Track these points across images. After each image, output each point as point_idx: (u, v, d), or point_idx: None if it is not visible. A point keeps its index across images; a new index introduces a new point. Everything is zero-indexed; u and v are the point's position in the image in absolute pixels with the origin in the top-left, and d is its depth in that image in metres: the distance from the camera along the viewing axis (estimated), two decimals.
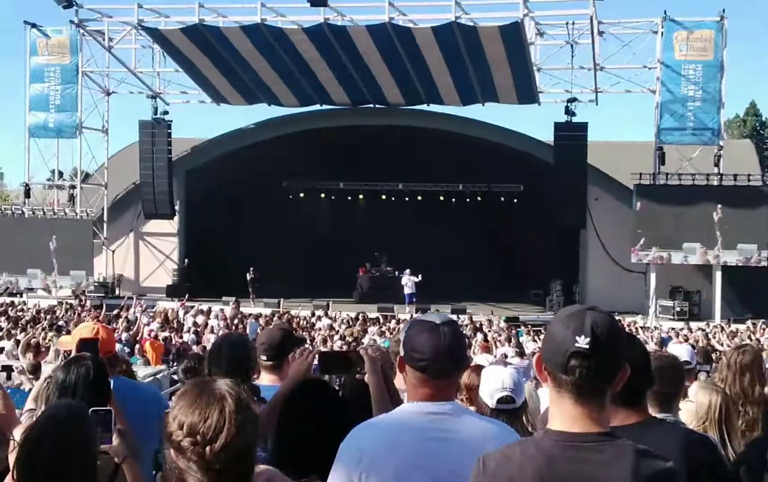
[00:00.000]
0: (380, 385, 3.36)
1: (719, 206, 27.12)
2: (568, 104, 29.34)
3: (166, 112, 32.24)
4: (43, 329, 16.66)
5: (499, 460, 2.17)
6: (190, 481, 2.11)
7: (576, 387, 2.10)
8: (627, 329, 20.26)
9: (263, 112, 33.87)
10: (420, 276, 28.55)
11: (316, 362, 3.70)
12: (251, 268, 30.08)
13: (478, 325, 21.43)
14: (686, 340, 18.10)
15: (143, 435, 3.67)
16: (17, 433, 3.15)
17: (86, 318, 22.10)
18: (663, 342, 17.70)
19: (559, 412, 2.16)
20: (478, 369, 4.51)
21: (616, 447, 2.10)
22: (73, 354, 4.45)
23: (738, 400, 4.04)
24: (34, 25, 31.68)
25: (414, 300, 28.27)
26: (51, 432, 2.75)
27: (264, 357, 4.19)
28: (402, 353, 2.70)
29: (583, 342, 2.07)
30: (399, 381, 4.07)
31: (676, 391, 3.35)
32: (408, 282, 28.64)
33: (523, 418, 3.62)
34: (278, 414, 3.10)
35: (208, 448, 2.04)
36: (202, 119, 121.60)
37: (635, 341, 3.08)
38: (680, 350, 6.97)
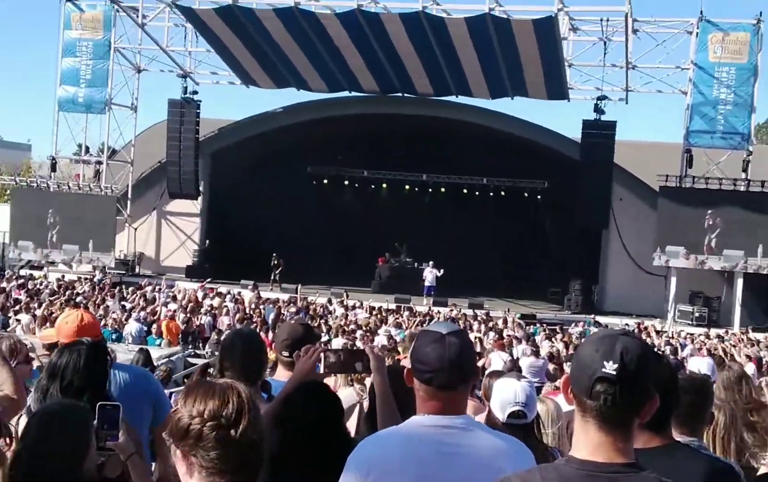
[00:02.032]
0: (385, 385, 3.25)
1: (708, 211, 26.79)
2: (598, 102, 29.03)
3: (195, 92, 32.26)
4: (61, 304, 16.64)
5: None
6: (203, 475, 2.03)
7: (600, 413, 2.04)
8: (643, 334, 20.08)
9: (292, 96, 33.83)
10: (442, 270, 28.26)
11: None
12: (274, 254, 29.78)
13: (493, 323, 21.15)
14: (703, 346, 18.00)
15: (133, 416, 3.60)
16: (22, 423, 3.17)
17: (105, 295, 22.32)
18: (680, 349, 17.53)
19: (584, 439, 2.09)
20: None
21: (640, 479, 2.04)
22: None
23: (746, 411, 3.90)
24: None
25: (433, 292, 28.10)
26: (45, 428, 2.77)
27: (285, 353, 4.13)
28: (409, 365, 2.64)
29: (610, 367, 2.00)
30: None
31: (703, 415, 3.25)
32: (429, 274, 28.42)
33: (535, 432, 3.57)
34: (276, 414, 3.06)
35: (233, 430, 2.01)
36: (231, 101, 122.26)
37: (662, 362, 2.98)
38: (701, 364, 6.87)
